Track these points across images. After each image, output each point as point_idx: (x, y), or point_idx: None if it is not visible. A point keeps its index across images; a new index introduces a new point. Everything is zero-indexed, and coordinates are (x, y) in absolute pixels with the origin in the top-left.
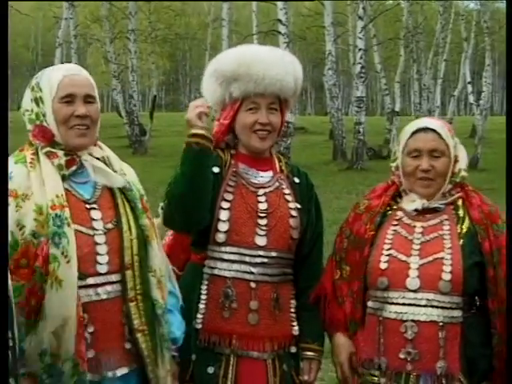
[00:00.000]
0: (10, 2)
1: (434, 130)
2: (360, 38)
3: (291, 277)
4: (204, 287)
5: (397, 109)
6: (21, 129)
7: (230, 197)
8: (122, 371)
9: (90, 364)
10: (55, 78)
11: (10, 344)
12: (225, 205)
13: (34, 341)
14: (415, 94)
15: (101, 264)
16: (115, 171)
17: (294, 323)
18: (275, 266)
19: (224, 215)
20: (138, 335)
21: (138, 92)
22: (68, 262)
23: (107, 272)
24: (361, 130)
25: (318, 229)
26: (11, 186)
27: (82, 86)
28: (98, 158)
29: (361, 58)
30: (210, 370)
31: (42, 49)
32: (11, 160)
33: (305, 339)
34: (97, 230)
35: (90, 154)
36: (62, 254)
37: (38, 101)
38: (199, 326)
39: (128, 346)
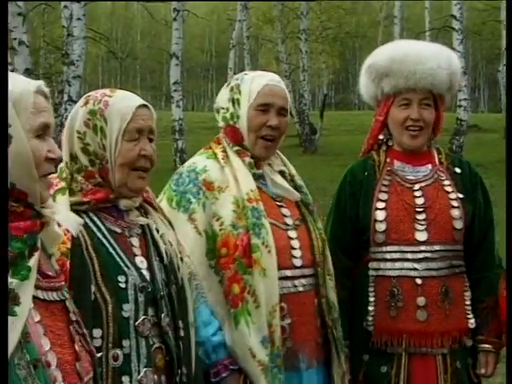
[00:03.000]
0: (187, 5)
1: None
2: None
3: (462, 268)
4: (371, 289)
5: None
6: (193, 129)
7: (384, 196)
8: (313, 364)
9: (288, 355)
10: (257, 84)
11: (182, 334)
12: (380, 205)
13: (253, 329)
14: None
15: (296, 258)
16: (293, 175)
17: (470, 316)
18: (440, 259)
19: (380, 215)
20: (329, 330)
21: (308, 91)
22: (269, 251)
23: (301, 266)
24: None
25: (487, 217)
26: (208, 179)
27: (280, 97)
28: (278, 171)
29: None
30: (383, 369)
31: (215, 51)
32: (201, 156)
33: (480, 331)
34: (288, 225)
35: (270, 165)
36: (263, 244)
37: (235, 102)
38: (371, 328)
39: (319, 340)
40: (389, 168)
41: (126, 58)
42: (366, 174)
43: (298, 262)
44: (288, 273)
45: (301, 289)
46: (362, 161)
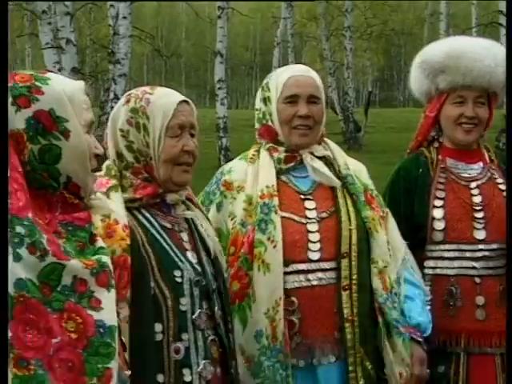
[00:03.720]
0: (232, 3)
1: None
2: None
3: None
4: (427, 288)
5: None
6: (237, 127)
7: (442, 194)
8: (329, 360)
9: (299, 349)
10: (282, 78)
11: (230, 327)
12: (438, 203)
13: (249, 324)
14: None
15: (313, 251)
16: (339, 165)
17: None
18: (497, 258)
19: (438, 213)
20: (346, 325)
21: (352, 89)
22: (274, 246)
23: (319, 259)
24: None
25: None
26: (229, 179)
27: (307, 86)
28: (319, 157)
29: None
30: (440, 369)
31: (259, 48)
32: (238, 157)
33: None
34: (310, 218)
35: (312, 153)
36: (269, 239)
37: (265, 100)
38: None
39: (338, 335)
40: (442, 165)
41: (171, 57)
42: (420, 170)
43: (314, 256)
44: (302, 266)
45: (315, 283)
46: (413, 157)
